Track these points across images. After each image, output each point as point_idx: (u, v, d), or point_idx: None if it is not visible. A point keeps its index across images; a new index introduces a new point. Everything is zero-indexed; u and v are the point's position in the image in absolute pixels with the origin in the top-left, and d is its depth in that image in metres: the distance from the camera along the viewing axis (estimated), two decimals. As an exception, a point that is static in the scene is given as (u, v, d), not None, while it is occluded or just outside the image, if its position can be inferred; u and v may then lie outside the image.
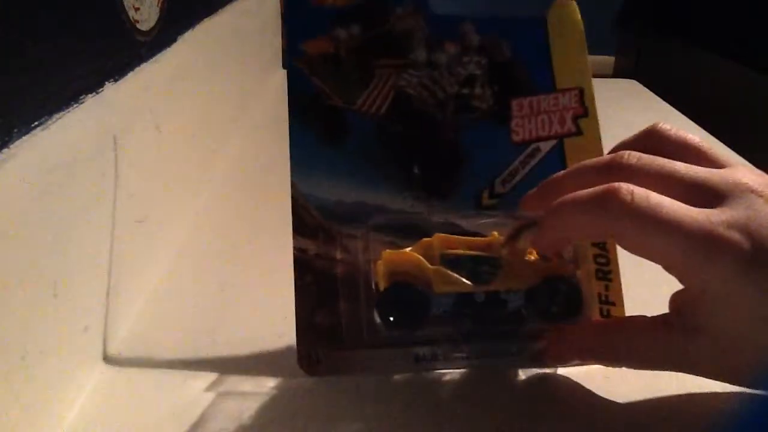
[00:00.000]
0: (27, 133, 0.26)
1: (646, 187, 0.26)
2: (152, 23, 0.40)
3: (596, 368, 0.31)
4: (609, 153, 0.30)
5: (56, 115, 0.28)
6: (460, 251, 0.31)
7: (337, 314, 0.32)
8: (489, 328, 0.31)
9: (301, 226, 0.32)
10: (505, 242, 0.31)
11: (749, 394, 0.29)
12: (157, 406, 0.29)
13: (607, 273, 0.32)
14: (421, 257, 0.31)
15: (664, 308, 0.29)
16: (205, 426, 0.28)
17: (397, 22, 0.33)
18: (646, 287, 0.32)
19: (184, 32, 0.47)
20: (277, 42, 0.85)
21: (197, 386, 0.31)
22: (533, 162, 0.33)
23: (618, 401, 0.30)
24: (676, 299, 0.29)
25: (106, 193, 0.32)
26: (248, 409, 0.29)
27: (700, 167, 0.28)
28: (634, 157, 0.28)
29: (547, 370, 0.32)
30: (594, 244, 0.32)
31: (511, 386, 0.31)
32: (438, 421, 0.29)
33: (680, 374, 0.30)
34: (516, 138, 0.33)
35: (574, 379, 0.32)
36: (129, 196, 0.35)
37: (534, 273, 0.31)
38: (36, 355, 0.26)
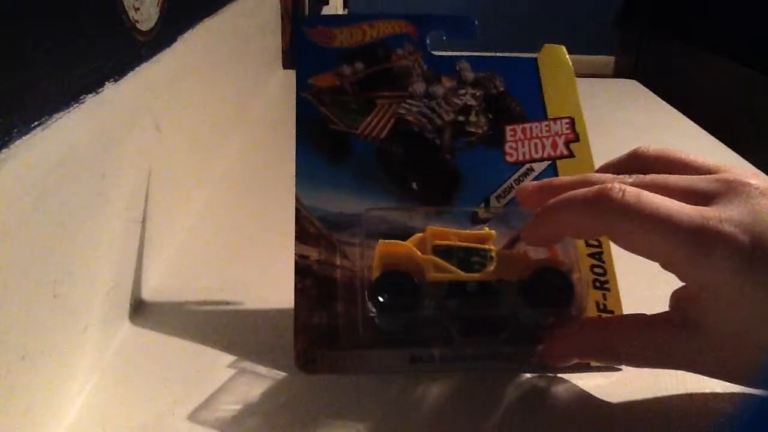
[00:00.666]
0: (27, 133, 0.26)
1: None
2: (152, 23, 0.40)
3: (595, 368, 0.32)
4: (596, 172, 0.32)
5: (56, 115, 0.28)
6: (452, 242, 0.31)
7: (334, 315, 0.32)
8: (483, 324, 0.32)
9: (303, 235, 0.33)
10: (500, 250, 0.31)
11: (749, 394, 0.29)
12: (155, 406, 0.29)
13: (604, 283, 0.33)
14: (413, 247, 0.31)
15: (663, 312, 0.29)
16: (204, 420, 0.28)
17: (397, 60, 0.36)
18: (644, 295, 0.32)
19: (184, 32, 0.47)
20: (277, 42, 0.85)
21: (196, 385, 0.31)
22: (527, 181, 0.35)
23: (618, 401, 0.30)
24: (675, 296, 0.29)
25: (106, 193, 0.32)
26: (245, 406, 0.29)
27: (690, 176, 0.28)
28: (629, 177, 0.29)
29: (546, 374, 0.32)
30: (590, 255, 0.33)
31: (510, 387, 0.31)
32: (437, 422, 0.29)
33: (680, 374, 0.30)
34: (510, 159, 0.35)
35: (574, 380, 0.32)
36: (129, 196, 0.35)
37: (525, 264, 0.31)
38: (36, 355, 0.26)
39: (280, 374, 0.31)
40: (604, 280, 0.33)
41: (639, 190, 0.26)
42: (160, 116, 0.39)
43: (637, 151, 0.31)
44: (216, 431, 0.28)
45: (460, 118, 0.36)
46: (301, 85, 0.35)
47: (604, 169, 0.32)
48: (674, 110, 0.76)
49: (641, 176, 0.29)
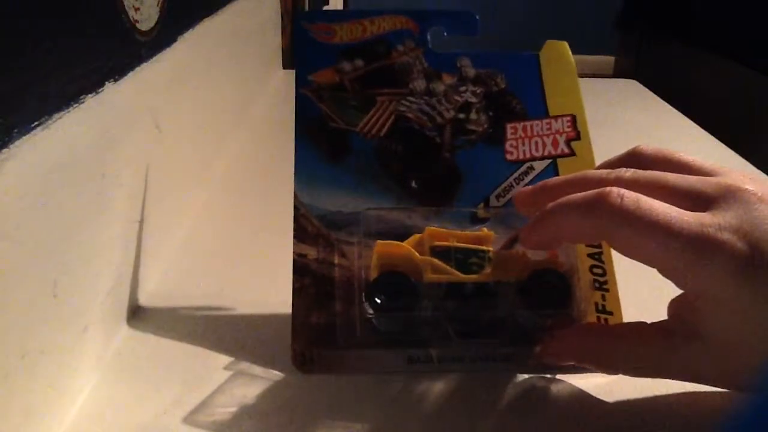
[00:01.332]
0: (27, 133, 0.26)
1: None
2: (152, 23, 0.40)
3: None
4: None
5: (56, 115, 0.28)
6: (450, 243, 0.31)
7: (332, 315, 0.32)
8: (481, 325, 0.31)
9: (301, 233, 0.33)
10: (498, 252, 0.31)
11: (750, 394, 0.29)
12: (155, 406, 0.29)
13: (603, 283, 0.33)
14: (411, 248, 0.31)
15: (662, 317, 0.29)
16: (203, 420, 0.28)
17: (398, 57, 0.36)
18: (643, 296, 0.32)
19: (184, 32, 0.47)
20: (277, 42, 0.85)
21: (196, 385, 0.31)
22: (527, 179, 0.35)
23: (618, 401, 0.30)
24: (674, 305, 0.29)
25: (106, 193, 0.32)
26: (244, 404, 0.29)
27: (689, 176, 0.28)
28: (627, 171, 0.29)
29: (545, 375, 0.32)
30: (590, 255, 0.33)
31: (508, 387, 0.31)
32: (435, 422, 0.29)
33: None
34: (510, 157, 0.35)
35: (573, 380, 0.32)
36: (129, 196, 0.35)
37: (523, 265, 0.31)
38: (36, 355, 0.26)
39: (279, 375, 0.31)
40: (603, 280, 0.33)
41: (638, 195, 0.26)
42: (160, 116, 0.39)
43: (636, 150, 0.31)
44: (216, 430, 0.28)
45: (461, 116, 0.35)
46: (300, 82, 0.35)
47: (603, 167, 0.32)
48: (674, 110, 0.76)
49: (640, 171, 0.28)
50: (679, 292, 0.28)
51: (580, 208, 0.27)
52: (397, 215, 0.34)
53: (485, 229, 0.32)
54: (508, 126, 0.35)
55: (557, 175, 0.34)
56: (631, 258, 0.27)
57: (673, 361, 0.28)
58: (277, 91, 0.77)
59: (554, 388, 0.31)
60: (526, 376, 0.32)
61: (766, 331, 0.25)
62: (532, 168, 0.35)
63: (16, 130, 0.26)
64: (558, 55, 0.36)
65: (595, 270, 0.33)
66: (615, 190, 0.26)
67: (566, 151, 0.35)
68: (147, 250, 0.37)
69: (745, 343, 0.26)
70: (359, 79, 0.35)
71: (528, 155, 0.35)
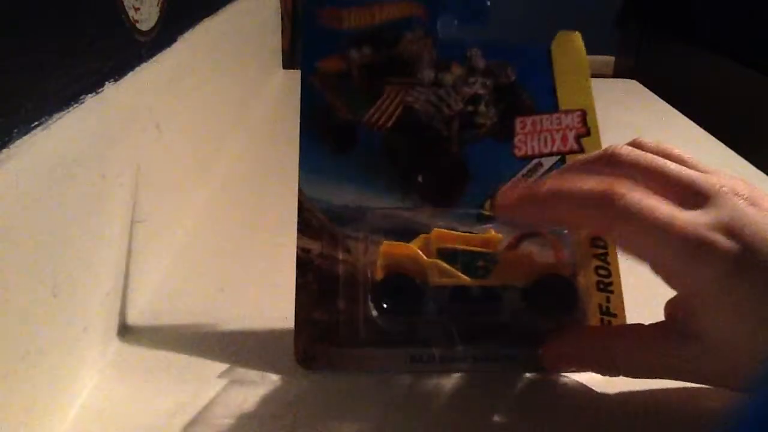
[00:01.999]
0: (27, 133, 0.26)
1: (636, 180, 0.27)
2: (152, 23, 0.40)
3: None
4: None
5: (56, 115, 0.28)
6: (457, 246, 0.31)
7: (335, 312, 0.32)
8: (485, 328, 0.31)
9: (306, 227, 0.33)
10: (504, 250, 0.31)
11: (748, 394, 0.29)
12: (155, 405, 0.29)
13: (608, 285, 0.32)
14: (418, 250, 0.31)
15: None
16: (203, 420, 0.28)
17: (406, 45, 0.35)
18: (648, 299, 0.31)
19: (184, 32, 0.47)
20: (277, 42, 0.85)
21: (195, 384, 0.31)
22: (535, 176, 0.34)
23: (618, 400, 0.30)
24: (670, 305, 0.29)
25: (106, 193, 0.32)
26: (245, 403, 0.29)
27: (690, 170, 0.28)
28: (626, 149, 0.29)
29: (547, 375, 0.32)
30: (595, 256, 0.33)
31: (510, 387, 0.31)
32: (437, 422, 0.29)
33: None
34: (519, 153, 0.34)
35: (573, 378, 0.32)
36: (129, 196, 0.35)
37: (530, 269, 0.31)
38: (36, 355, 0.26)
39: (282, 373, 0.31)
40: (608, 282, 0.32)
41: (641, 195, 0.26)
42: (160, 116, 0.39)
43: (636, 141, 0.31)
44: (217, 430, 0.28)
45: (469, 108, 0.34)
46: (307, 68, 0.34)
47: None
48: (674, 110, 0.76)
49: (640, 155, 0.29)
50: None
51: (587, 202, 0.27)
52: (403, 213, 0.33)
53: (492, 230, 0.32)
54: (518, 120, 0.34)
55: None
56: (630, 255, 0.27)
57: (671, 362, 0.28)
58: (277, 92, 0.77)
59: (555, 386, 0.31)
60: (528, 375, 0.32)
61: (759, 330, 0.25)
62: (540, 165, 0.34)
63: (16, 130, 0.26)
64: (570, 47, 0.35)
65: (601, 272, 0.33)
66: (619, 188, 0.27)
67: (575, 147, 0.34)
68: (147, 250, 0.37)
69: (739, 343, 0.26)
70: (366, 67, 0.34)
71: (537, 151, 0.34)
